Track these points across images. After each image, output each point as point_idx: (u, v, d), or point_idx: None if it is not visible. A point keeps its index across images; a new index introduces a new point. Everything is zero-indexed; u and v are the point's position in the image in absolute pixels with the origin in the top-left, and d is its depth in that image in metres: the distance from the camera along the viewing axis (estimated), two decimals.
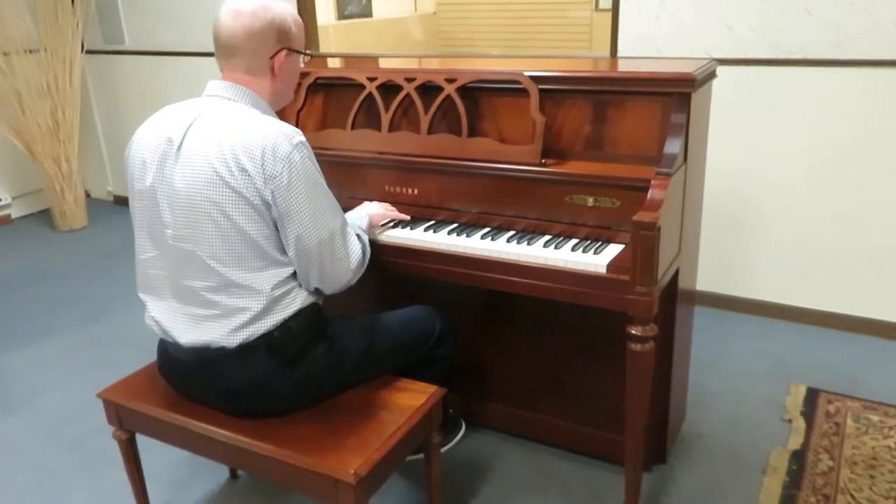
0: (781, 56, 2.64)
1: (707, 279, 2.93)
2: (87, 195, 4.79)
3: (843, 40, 2.53)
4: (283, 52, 1.56)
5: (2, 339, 3.04)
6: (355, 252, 1.57)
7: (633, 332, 1.57)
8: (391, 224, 1.87)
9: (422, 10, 6.32)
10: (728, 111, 2.70)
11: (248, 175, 1.42)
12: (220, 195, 1.43)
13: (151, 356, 1.72)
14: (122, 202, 4.77)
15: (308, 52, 1.66)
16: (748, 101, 2.73)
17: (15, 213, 4.62)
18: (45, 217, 4.57)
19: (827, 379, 2.48)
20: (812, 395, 2.38)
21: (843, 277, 2.78)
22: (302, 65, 1.68)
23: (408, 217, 1.89)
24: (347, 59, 3.21)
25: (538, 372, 2.11)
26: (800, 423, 2.23)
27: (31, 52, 4.07)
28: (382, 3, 5.86)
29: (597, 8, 5.48)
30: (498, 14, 5.84)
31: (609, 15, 2.93)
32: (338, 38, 5.27)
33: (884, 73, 2.51)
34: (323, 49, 3.96)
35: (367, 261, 1.64)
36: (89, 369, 2.76)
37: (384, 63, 2.49)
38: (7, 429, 2.42)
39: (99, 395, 1.72)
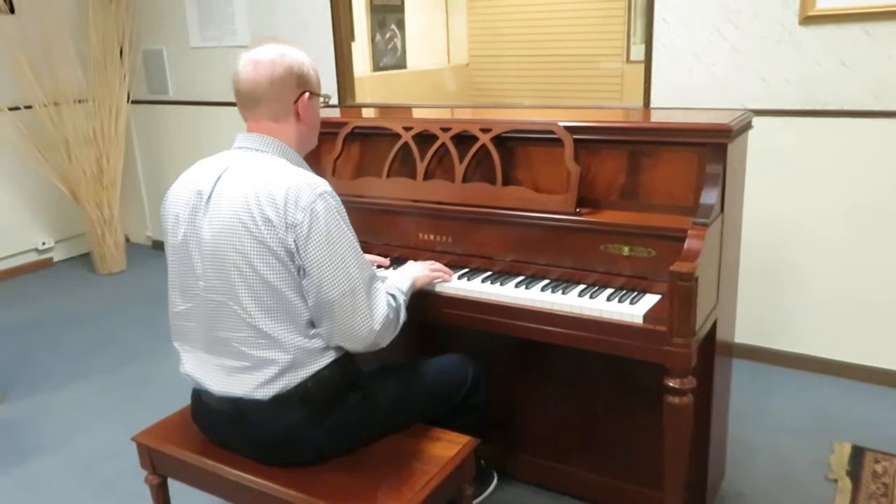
0: (818, 107, 2.63)
1: (746, 331, 2.87)
2: (127, 240, 4.90)
3: (880, 91, 2.51)
4: (306, 95, 1.58)
5: (41, 380, 3.09)
6: (380, 310, 1.51)
7: (671, 384, 1.54)
8: None
9: (455, 62, 6.44)
10: (765, 161, 2.68)
11: (272, 224, 1.42)
12: (244, 245, 1.44)
13: (186, 399, 1.73)
14: (160, 247, 4.86)
15: (326, 95, 1.68)
16: (785, 151, 2.72)
17: (57, 256, 4.75)
18: (85, 261, 4.68)
19: (872, 437, 2.39)
20: (857, 454, 2.29)
21: (887, 331, 2.70)
22: (321, 106, 1.69)
23: (455, 275, 1.83)
24: (382, 109, 3.28)
25: (573, 423, 2.07)
26: (846, 484, 2.15)
27: (79, 101, 4.24)
28: (416, 55, 6.00)
29: (628, 60, 5.54)
30: (529, 66, 5.92)
31: (640, 67, 2.96)
32: (373, 89, 5.40)
33: None
34: (359, 99, 4.05)
35: (399, 324, 1.59)
36: (124, 411, 2.79)
37: (418, 113, 2.53)
38: (42, 468, 2.44)
39: (133, 439, 1.73)
